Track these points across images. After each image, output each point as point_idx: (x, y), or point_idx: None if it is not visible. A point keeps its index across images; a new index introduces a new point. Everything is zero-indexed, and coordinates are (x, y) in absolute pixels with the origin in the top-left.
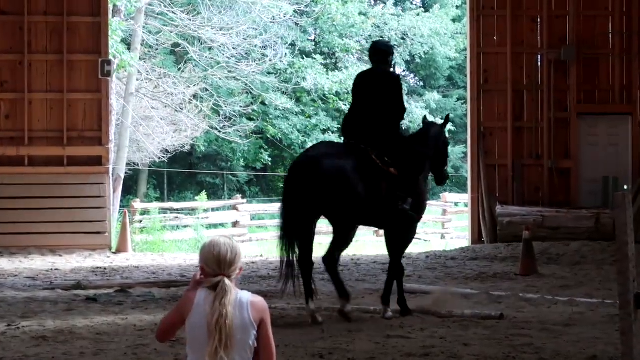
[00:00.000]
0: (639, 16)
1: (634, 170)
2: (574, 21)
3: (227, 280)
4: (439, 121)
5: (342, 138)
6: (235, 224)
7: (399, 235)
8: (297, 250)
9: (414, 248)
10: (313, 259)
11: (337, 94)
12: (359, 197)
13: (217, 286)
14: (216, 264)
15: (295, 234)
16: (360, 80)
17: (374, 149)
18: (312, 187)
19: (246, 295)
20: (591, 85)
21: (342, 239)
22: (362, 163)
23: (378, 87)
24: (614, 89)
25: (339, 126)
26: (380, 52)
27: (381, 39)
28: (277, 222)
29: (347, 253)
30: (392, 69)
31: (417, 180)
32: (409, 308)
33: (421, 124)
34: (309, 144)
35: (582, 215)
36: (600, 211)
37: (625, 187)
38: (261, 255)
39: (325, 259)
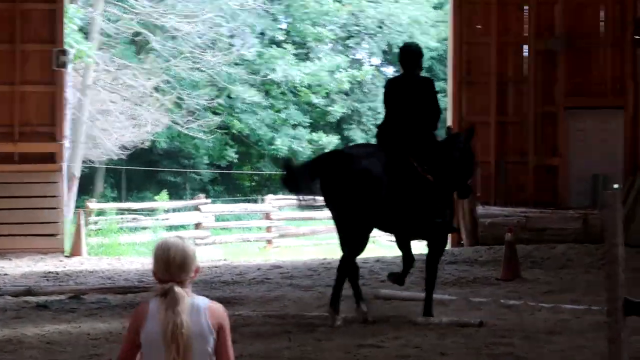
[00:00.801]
0: (633, 4)
1: (626, 168)
2: (564, 9)
3: (177, 288)
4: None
5: (380, 139)
6: (197, 226)
7: (436, 245)
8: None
9: (389, 251)
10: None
11: (309, 86)
12: (397, 202)
13: (167, 294)
14: (166, 268)
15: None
16: (394, 86)
17: (414, 156)
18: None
19: (203, 301)
20: (581, 77)
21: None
22: (402, 168)
23: (414, 92)
24: (606, 81)
25: (311, 121)
26: (413, 55)
27: (411, 41)
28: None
29: (317, 256)
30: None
31: (454, 190)
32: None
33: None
34: (278, 140)
35: (569, 216)
36: (589, 212)
37: (616, 185)
38: (225, 259)
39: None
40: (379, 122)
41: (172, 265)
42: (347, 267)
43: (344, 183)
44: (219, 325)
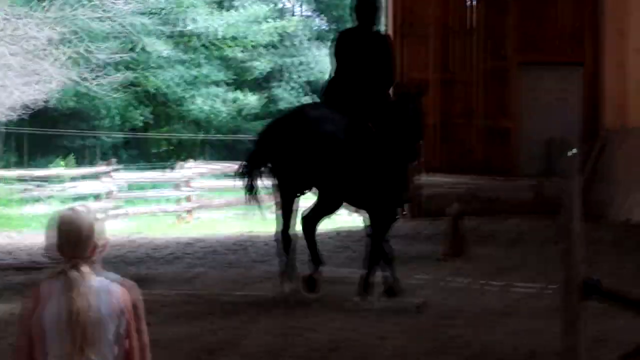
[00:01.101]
0: None
1: (584, 131)
2: None
3: (75, 270)
4: None
5: (320, 103)
6: (108, 195)
7: (387, 218)
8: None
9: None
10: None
11: (229, 39)
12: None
13: (63, 275)
14: (64, 244)
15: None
16: (347, 40)
17: (372, 120)
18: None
19: (111, 281)
20: (534, 29)
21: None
22: (362, 134)
23: (369, 48)
24: (562, 33)
25: (235, 77)
26: (369, 7)
27: None
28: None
29: (242, 231)
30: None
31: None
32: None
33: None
34: (198, 99)
35: (522, 184)
36: (544, 180)
37: (574, 150)
38: (139, 233)
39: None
40: (307, 78)
41: (70, 240)
42: (309, 231)
43: (311, 147)
44: (130, 306)
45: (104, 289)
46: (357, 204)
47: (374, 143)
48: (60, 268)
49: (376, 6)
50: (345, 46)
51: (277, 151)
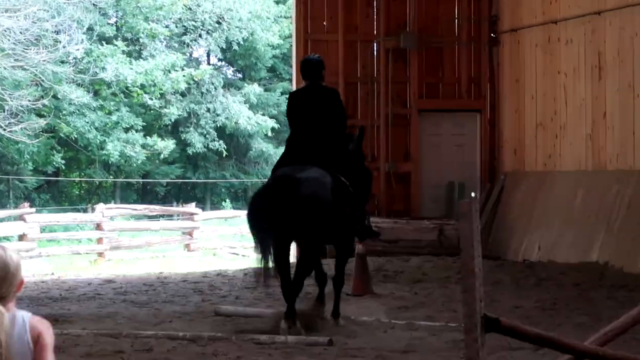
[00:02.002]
0: (489, 0)
1: (483, 175)
2: (415, 5)
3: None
4: None
5: (289, 160)
6: (22, 237)
7: (348, 249)
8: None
9: (231, 264)
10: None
11: (142, 86)
12: (337, 218)
13: None
14: None
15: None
16: (300, 99)
17: (339, 171)
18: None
19: (25, 316)
20: (434, 77)
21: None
22: (338, 186)
23: (322, 104)
24: (460, 82)
25: (144, 124)
26: (314, 67)
27: (310, 54)
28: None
29: (153, 270)
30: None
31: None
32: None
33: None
34: (109, 144)
35: (424, 226)
36: (444, 222)
37: (473, 194)
38: (52, 274)
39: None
40: (216, 124)
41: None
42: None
43: (301, 207)
44: (37, 338)
45: (18, 324)
46: (329, 242)
47: (349, 196)
48: None
49: (319, 65)
50: (299, 104)
51: (279, 215)
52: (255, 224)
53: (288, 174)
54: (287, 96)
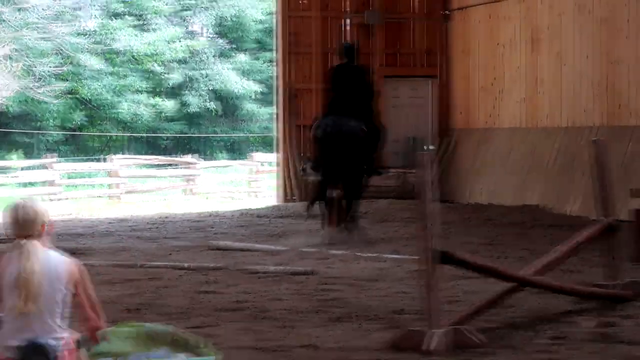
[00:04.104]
0: None
1: (436, 131)
2: None
3: (28, 243)
4: None
5: (331, 115)
6: (48, 183)
7: (361, 184)
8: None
9: (226, 206)
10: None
11: (148, 55)
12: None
13: (19, 248)
14: (15, 226)
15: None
16: (340, 71)
17: (364, 124)
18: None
19: (56, 256)
20: (395, 48)
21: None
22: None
23: (353, 76)
24: (417, 52)
25: (150, 87)
26: (350, 50)
27: (347, 41)
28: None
29: (161, 211)
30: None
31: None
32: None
33: None
34: (121, 104)
35: (388, 174)
36: (406, 171)
37: (430, 147)
38: (74, 214)
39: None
40: (212, 87)
41: (19, 222)
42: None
43: (344, 142)
44: (75, 280)
45: (50, 261)
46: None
47: (365, 139)
48: (17, 242)
49: (354, 49)
50: (338, 75)
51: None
52: (322, 152)
53: (333, 122)
54: (331, 68)
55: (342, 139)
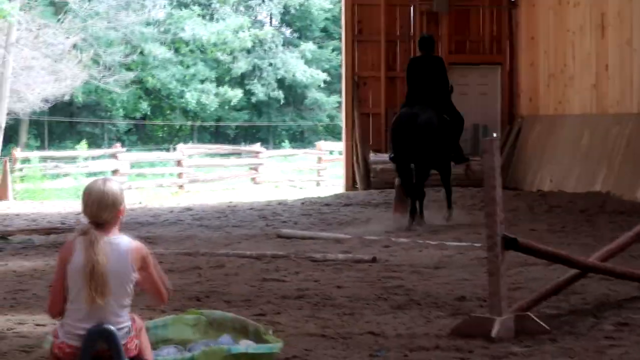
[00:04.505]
0: None
1: (503, 118)
2: None
3: (99, 233)
4: None
5: (408, 106)
6: (114, 172)
7: (449, 170)
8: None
9: (290, 195)
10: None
11: (215, 44)
12: (442, 142)
13: (87, 233)
14: (87, 208)
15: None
16: (418, 63)
17: (445, 113)
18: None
19: (125, 241)
20: (462, 36)
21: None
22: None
23: (433, 67)
24: (484, 39)
25: (216, 76)
26: (427, 41)
27: (426, 33)
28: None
29: (225, 200)
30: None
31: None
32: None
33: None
34: (187, 94)
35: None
36: (471, 158)
37: (495, 134)
38: (140, 203)
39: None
40: (277, 77)
41: (92, 205)
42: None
43: (423, 133)
44: (141, 264)
45: (118, 248)
46: (435, 165)
47: (449, 126)
48: (86, 227)
49: (432, 41)
50: (416, 67)
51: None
52: (395, 141)
53: (410, 111)
54: (409, 61)
55: (417, 129)
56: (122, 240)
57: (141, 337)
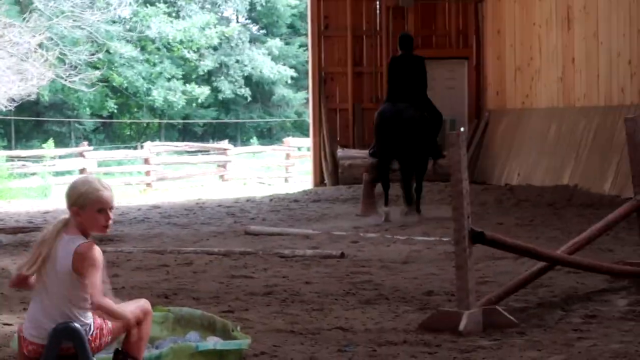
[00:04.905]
0: None
1: (470, 112)
2: None
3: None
4: None
5: (390, 102)
6: (82, 171)
7: (425, 166)
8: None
9: (258, 191)
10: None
11: (181, 42)
12: (422, 137)
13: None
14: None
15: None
16: (399, 62)
17: (426, 110)
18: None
19: (75, 244)
20: (428, 30)
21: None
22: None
23: (413, 66)
24: (451, 34)
25: (183, 73)
26: (407, 40)
27: (405, 32)
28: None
29: (193, 197)
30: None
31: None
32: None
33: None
34: (154, 92)
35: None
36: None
37: (462, 128)
38: None
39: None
40: (244, 74)
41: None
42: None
43: (408, 129)
44: (80, 268)
45: (69, 248)
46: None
47: (428, 124)
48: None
49: (411, 40)
50: (397, 66)
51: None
52: (379, 137)
53: (394, 108)
54: (389, 60)
55: (402, 125)
56: (73, 242)
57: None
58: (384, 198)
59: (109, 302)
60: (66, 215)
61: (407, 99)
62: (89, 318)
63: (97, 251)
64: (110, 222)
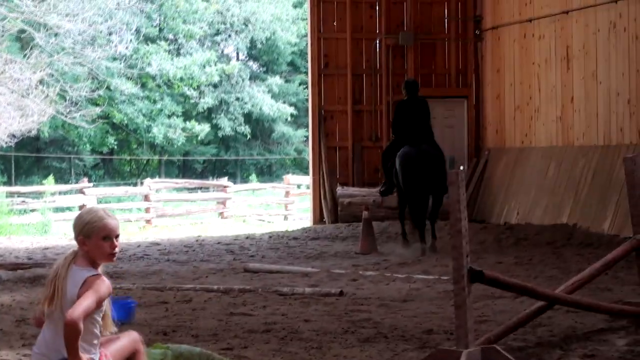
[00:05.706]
0: (473, 2)
1: (469, 151)
2: (411, 7)
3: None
4: None
5: (410, 145)
6: (81, 208)
7: (441, 202)
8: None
9: (257, 229)
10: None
11: (182, 79)
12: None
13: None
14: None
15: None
16: (407, 105)
17: (439, 149)
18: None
19: (84, 274)
20: (428, 69)
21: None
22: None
23: (421, 109)
24: (450, 73)
25: (183, 111)
26: (413, 86)
27: (410, 78)
28: (122, 205)
29: (192, 234)
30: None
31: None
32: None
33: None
34: (155, 129)
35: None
36: None
37: (462, 167)
38: None
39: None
40: (244, 111)
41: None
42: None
43: (436, 167)
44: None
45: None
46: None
47: (443, 161)
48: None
49: (416, 85)
50: (405, 110)
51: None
52: (410, 177)
53: (418, 148)
54: (396, 104)
55: (430, 164)
56: (82, 273)
57: None
58: (418, 235)
59: (77, 329)
60: (75, 247)
61: (424, 140)
62: (95, 354)
63: (104, 283)
64: (117, 250)
